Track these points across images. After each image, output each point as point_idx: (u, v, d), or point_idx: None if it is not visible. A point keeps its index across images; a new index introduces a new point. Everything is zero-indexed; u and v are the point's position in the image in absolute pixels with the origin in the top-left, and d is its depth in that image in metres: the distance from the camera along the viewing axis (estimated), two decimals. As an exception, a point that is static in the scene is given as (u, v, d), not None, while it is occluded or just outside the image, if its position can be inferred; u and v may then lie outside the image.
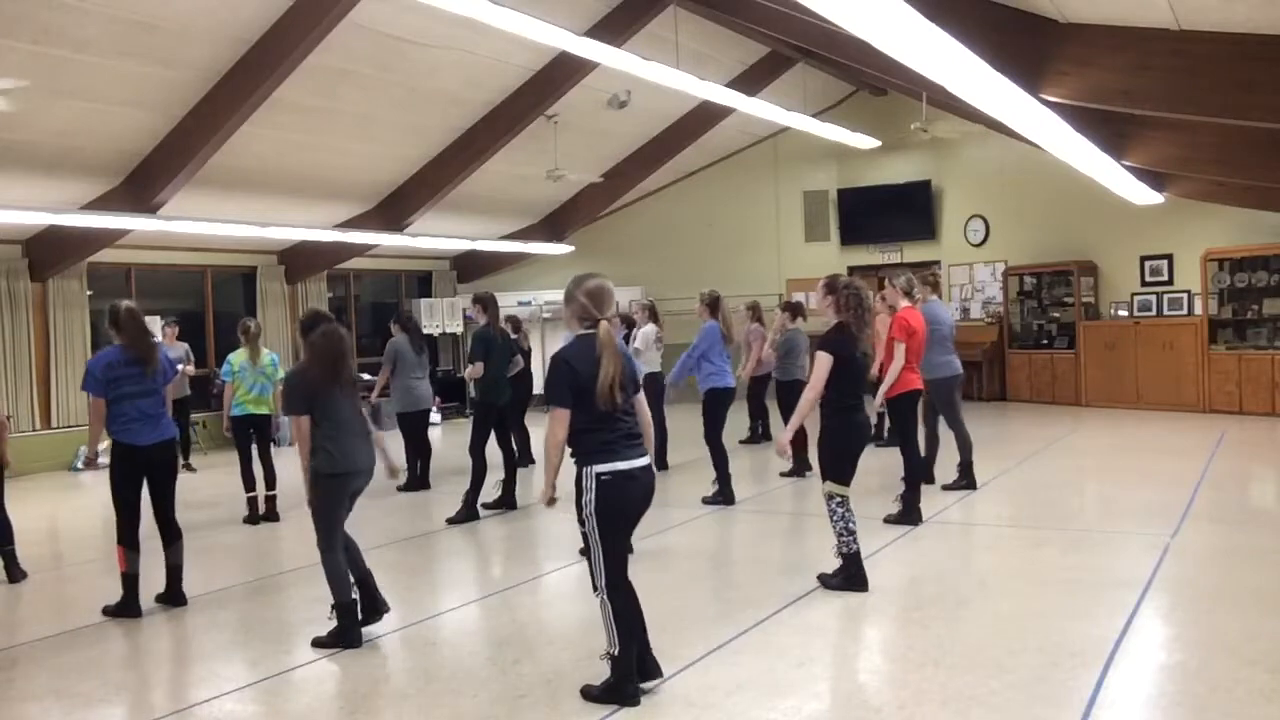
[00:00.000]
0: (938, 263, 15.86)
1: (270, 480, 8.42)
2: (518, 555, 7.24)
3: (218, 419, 12.73)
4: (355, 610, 5.02)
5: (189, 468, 11.84)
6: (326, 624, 5.04)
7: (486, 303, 8.58)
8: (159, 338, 12.01)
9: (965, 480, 8.28)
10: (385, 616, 5.20)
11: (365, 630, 5.07)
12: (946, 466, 8.47)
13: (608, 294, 4.14)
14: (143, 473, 5.74)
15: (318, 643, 4.96)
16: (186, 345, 12.17)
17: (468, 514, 8.06)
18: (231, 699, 4.38)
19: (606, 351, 3.98)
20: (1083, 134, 8.21)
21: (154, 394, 5.76)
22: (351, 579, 5.10)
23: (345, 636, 4.94)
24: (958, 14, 6.28)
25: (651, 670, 4.18)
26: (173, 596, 5.86)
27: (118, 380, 5.65)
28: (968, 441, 8.31)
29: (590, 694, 4.11)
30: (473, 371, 8.28)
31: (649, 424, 4.27)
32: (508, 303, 16.46)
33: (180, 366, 11.85)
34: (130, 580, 5.68)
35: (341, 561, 5.05)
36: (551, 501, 4.12)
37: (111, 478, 5.73)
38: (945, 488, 8.25)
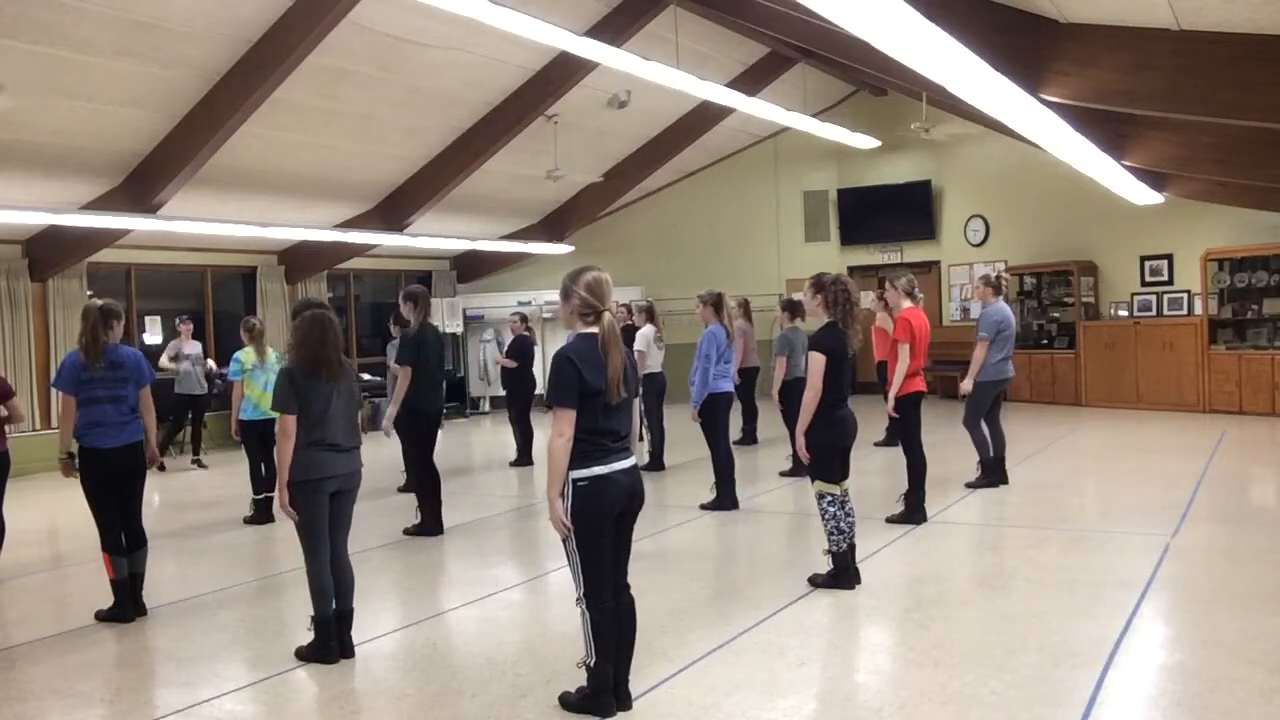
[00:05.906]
0: (936, 263, 15.86)
1: (271, 481, 8.40)
2: (518, 556, 7.24)
3: (218, 418, 12.77)
4: (330, 627, 4.79)
5: (200, 464, 11.94)
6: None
7: (417, 298, 7.65)
8: (177, 336, 12.14)
9: (989, 478, 8.34)
10: (383, 617, 5.18)
11: (365, 630, 5.05)
12: (965, 465, 8.50)
13: (606, 285, 3.97)
14: (113, 477, 5.58)
15: (299, 653, 4.81)
16: (199, 345, 12.32)
17: (427, 527, 7.59)
18: (231, 699, 4.38)
19: (611, 342, 3.88)
20: (1083, 134, 8.22)
21: (122, 399, 5.60)
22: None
23: (319, 651, 4.77)
24: (958, 14, 6.29)
25: (621, 700, 3.98)
26: (133, 605, 5.64)
27: (88, 382, 5.50)
28: (984, 442, 8.40)
29: (567, 702, 4.03)
30: (401, 378, 7.51)
31: (635, 425, 4.16)
32: (508, 302, 16.52)
33: (198, 365, 11.97)
34: (120, 586, 5.62)
35: (324, 574, 4.79)
36: (567, 530, 3.84)
37: (84, 486, 5.59)
38: (969, 485, 8.32)
